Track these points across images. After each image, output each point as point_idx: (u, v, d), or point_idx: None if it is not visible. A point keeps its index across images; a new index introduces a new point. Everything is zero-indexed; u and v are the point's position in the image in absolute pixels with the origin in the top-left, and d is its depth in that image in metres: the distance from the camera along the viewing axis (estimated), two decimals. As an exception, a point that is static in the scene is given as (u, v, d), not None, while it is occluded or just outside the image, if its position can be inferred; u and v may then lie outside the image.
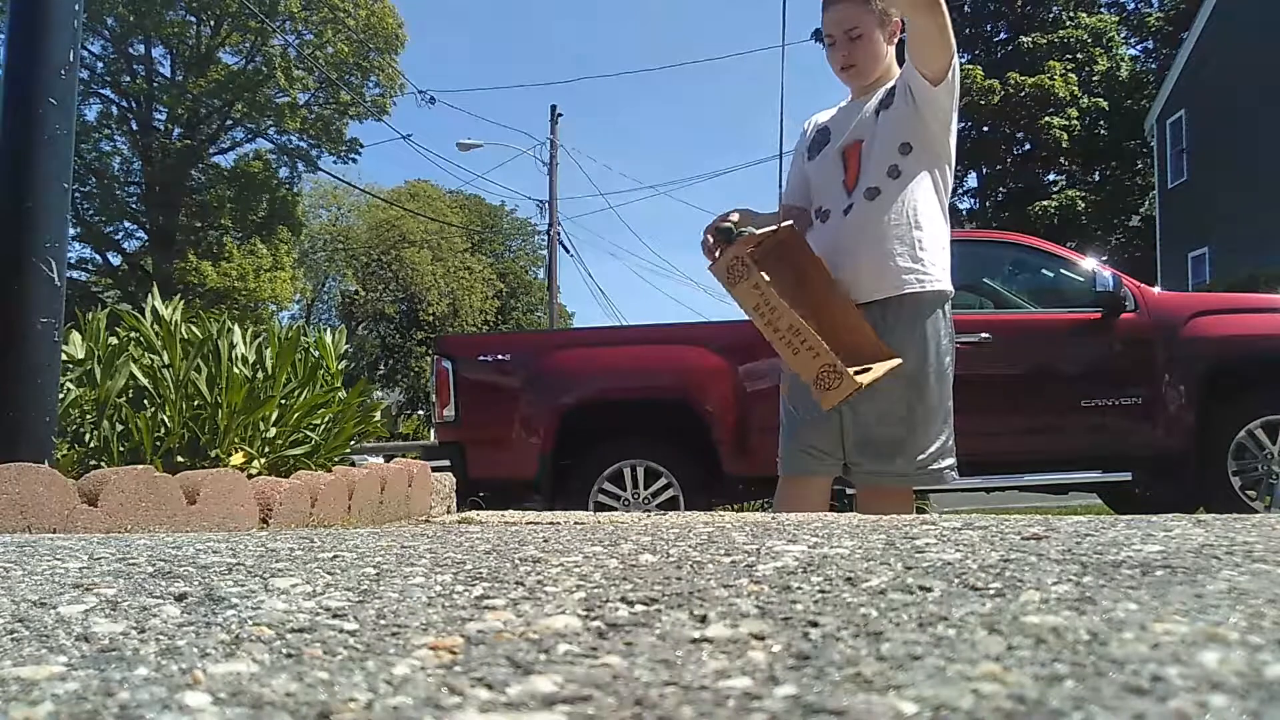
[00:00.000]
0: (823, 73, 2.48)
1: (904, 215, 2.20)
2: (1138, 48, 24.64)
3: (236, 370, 2.57)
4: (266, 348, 2.80)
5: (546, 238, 22.02)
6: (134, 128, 23.77)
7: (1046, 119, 21.71)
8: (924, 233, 2.21)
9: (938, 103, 2.20)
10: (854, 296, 2.22)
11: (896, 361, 2.11)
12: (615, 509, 4.41)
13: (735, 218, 2.24)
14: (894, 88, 2.27)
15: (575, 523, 2.07)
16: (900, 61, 2.30)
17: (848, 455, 2.26)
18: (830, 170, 2.36)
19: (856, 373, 2.01)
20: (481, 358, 4.93)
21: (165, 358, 2.52)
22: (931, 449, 2.20)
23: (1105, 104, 22.23)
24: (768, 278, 2.04)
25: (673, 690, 0.57)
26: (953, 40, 2.15)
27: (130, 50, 23.43)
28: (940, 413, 2.22)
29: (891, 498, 2.23)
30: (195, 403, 2.49)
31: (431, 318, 33.33)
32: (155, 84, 23.75)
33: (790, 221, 2.25)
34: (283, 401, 2.70)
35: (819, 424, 2.28)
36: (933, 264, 2.21)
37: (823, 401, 2.02)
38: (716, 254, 2.15)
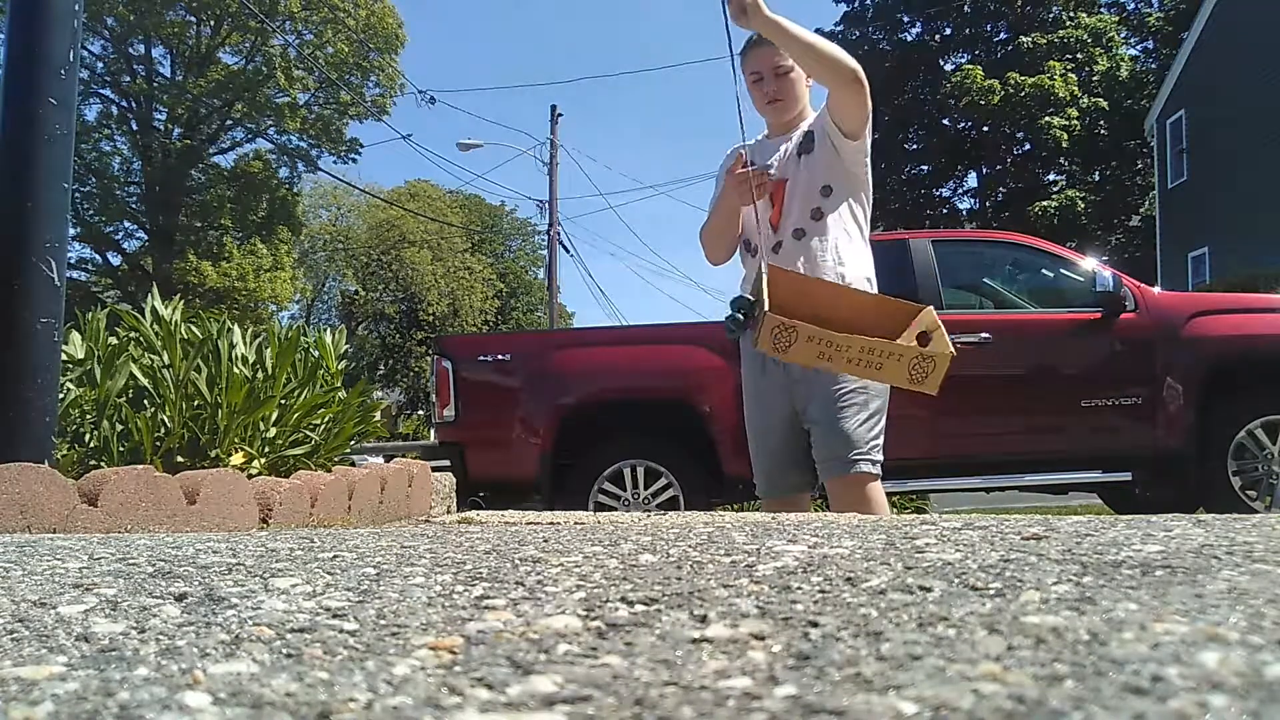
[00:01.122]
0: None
1: (828, 253, 2.45)
2: (1138, 48, 24.64)
3: (236, 370, 2.57)
4: (266, 348, 2.80)
5: (546, 238, 22.01)
6: (134, 128, 23.74)
7: (1046, 119, 21.70)
8: (846, 266, 2.46)
9: (856, 152, 2.46)
10: None
11: (930, 308, 2.26)
12: (615, 509, 4.41)
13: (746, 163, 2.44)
14: (812, 132, 2.49)
15: (575, 523, 2.07)
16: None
17: (814, 453, 2.49)
18: (758, 208, 2.53)
19: (931, 345, 2.09)
20: (481, 358, 4.92)
21: (165, 358, 2.52)
22: (870, 444, 2.43)
23: (1105, 104, 22.22)
24: (811, 326, 2.09)
25: (673, 690, 0.57)
26: (869, 102, 2.39)
27: (130, 50, 23.41)
28: (871, 415, 2.45)
29: (850, 489, 2.43)
30: (195, 403, 2.49)
31: (431, 318, 33.31)
32: (155, 84, 23.73)
33: (767, 264, 2.40)
34: (283, 401, 2.70)
35: (773, 450, 2.59)
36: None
37: (928, 388, 2.08)
38: (751, 185, 2.38)
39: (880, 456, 2.46)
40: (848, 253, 2.47)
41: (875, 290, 2.50)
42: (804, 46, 2.34)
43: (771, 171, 2.47)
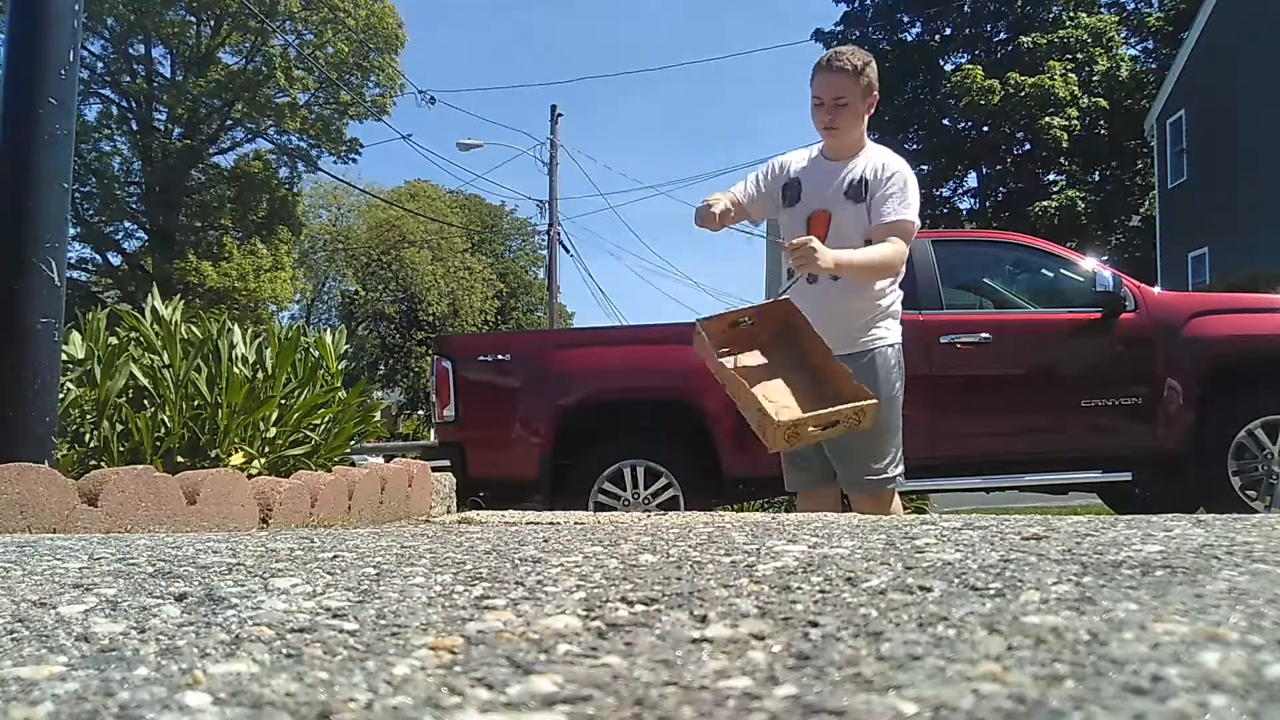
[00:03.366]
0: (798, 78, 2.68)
1: (863, 293, 2.63)
2: (1138, 48, 24.59)
3: (236, 370, 2.57)
4: (266, 348, 2.80)
5: (546, 238, 21.99)
6: (134, 128, 23.72)
7: (1046, 119, 21.67)
8: (881, 303, 2.65)
9: None
10: None
11: (866, 403, 2.42)
12: (615, 509, 4.41)
13: (721, 204, 2.65)
14: (866, 182, 2.62)
15: (575, 523, 2.07)
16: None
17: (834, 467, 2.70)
18: (798, 233, 2.67)
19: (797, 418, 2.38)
20: (481, 358, 4.92)
21: (165, 358, 2.52)
22: (885, 460, 2.64)
23: (1105, 104, 22.19)
24: (727, 362, 2.46)
25: (673, 690, 0.57)
26: (895, 259, 2.56)
27: (130, 50, 23.39)
28: (892, 432, 2.66)
29: (871, 498, 2.65)
30: (195, 403, 2.49)
31: (431, 318, 33.29)
32: (155, 84, 23.71)
33: (786, 298, 2.63)
34: (283, 401, 2.70)
35: (805, 451, 2.70)
36: (887, 326, 2.67)
37: (769, 446, 2.40)
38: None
39: (898, 470, 2.66)
40: (880, 290, 2.65)
41: (897, 322, 2.71)
42: (865, 271, 2.57)
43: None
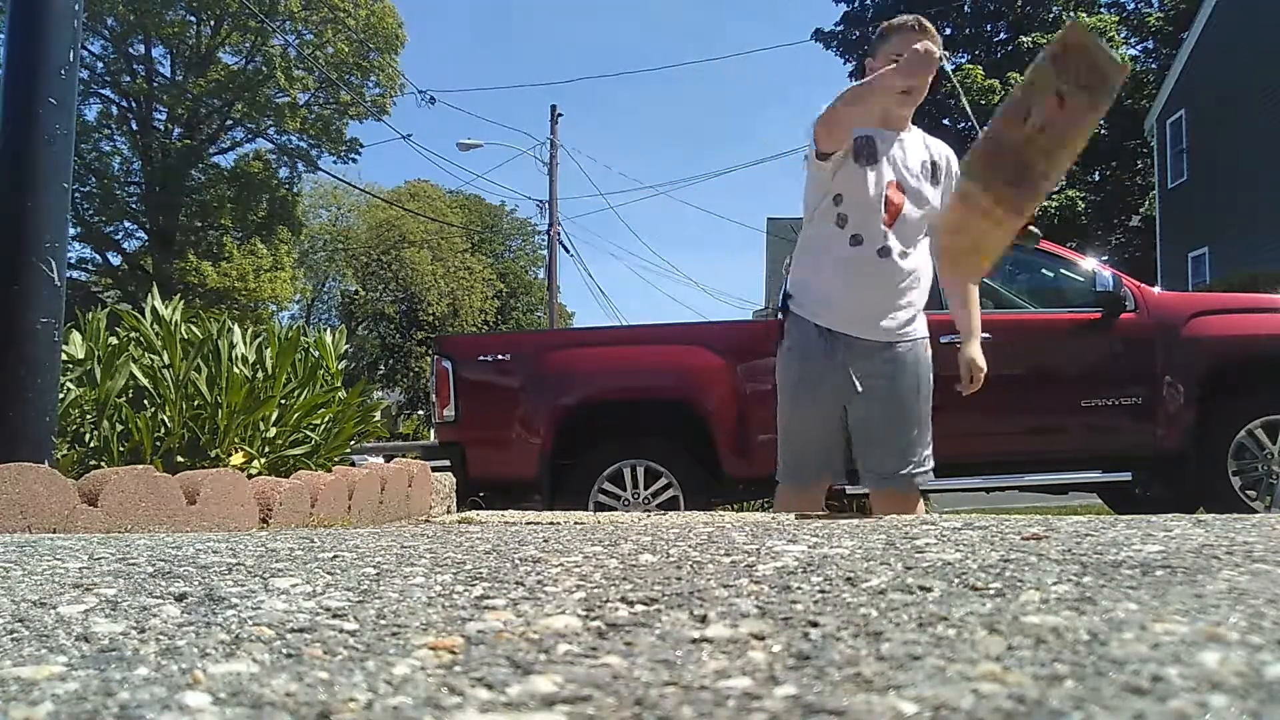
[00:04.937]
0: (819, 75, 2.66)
1: (919, 280, 2.59)
2: (1138, 48, 24.60)
3: (236, 370, 2.57)
4: (266, 348, 2.80)
5: (546, 238, 22.00)
6: (134, 128, 23.73)
7: (1047, 119, 21.67)
8: (923, 293, 2.62)
9: None
10: (865, 334, 2.52)
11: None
12: (615, 509, 4.41)
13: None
14: (940, 168, 2.57)
15: (575, 523, 2.07)
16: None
17: (860, 466, 2.58)
18: (873, 198, 2.48)
19: None
20: (481, 358, 4.92)
21: (165, 358, 2.52)
22: (919, 456, 2.56)
23: (1105, 104, 22.19)
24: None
25: (673, 690, 0.57)
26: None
27: (130, 50, 23.40)
28: (927, 427, 2.60)
29: (901, 501, 2.53)
30: (195, 403, 2.49)
31: (431, 318, 33.31)
32: (155, 84, 23.72)
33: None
34: (283, 401, 2.70)
35: (808, 439, 2.59)
36: (924, 320, 2.65)
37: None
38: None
39: (933, 462, 2.59)
40: (926, 281, 2.61)
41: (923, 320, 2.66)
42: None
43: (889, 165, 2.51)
